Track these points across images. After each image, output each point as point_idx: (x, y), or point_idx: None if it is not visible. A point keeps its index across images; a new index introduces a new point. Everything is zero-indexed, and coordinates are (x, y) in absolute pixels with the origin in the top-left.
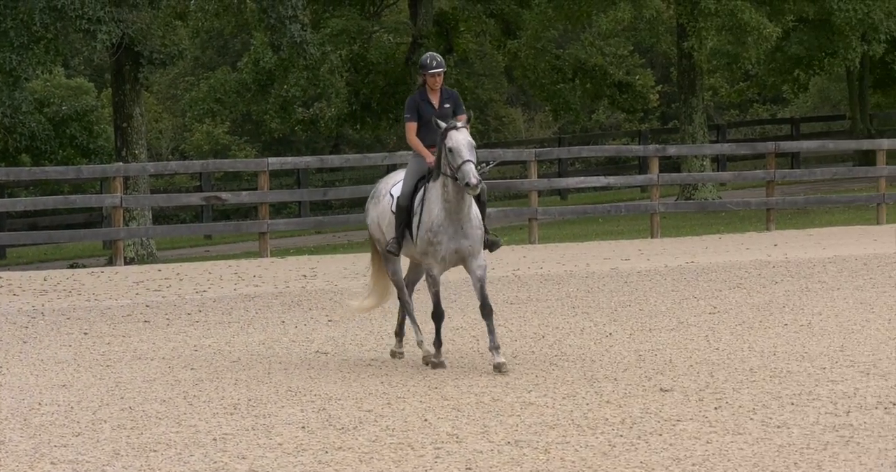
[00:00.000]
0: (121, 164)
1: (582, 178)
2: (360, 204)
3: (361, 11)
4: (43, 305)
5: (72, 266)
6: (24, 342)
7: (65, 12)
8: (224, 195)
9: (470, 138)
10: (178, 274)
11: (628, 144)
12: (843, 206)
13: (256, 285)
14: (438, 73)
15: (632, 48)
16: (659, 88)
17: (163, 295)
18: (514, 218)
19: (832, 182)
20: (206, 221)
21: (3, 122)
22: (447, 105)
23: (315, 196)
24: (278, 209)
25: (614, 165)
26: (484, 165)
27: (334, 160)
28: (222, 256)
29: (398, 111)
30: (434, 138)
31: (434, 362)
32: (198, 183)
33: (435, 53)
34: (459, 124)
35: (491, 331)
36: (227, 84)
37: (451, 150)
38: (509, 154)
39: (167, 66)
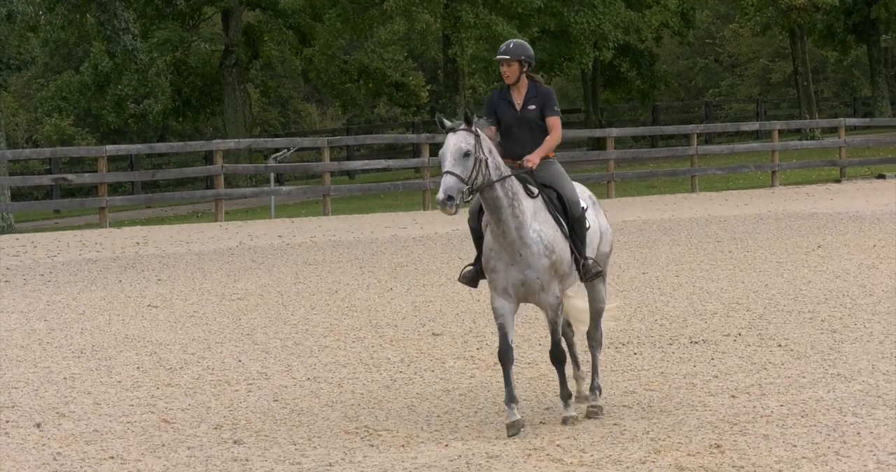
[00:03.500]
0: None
1: (366, 161)
2: (183, 183)
3: (182, 24)
4: None
5: None
6: None
7: None
8: (70, 177)
9: (463, 144)
10: (32, 242)
11: (404, 133)
12: (578, 183)
13: (97, 252)
14: (506, 61)
15: (406, 54)
16: (428, 87)
17: (20, 260)
18: (311, 195)
19: (570, 164)
20: (55, 198)
21: None
22: (531, 106)
23: (145, 177)
24: (115, 188)
25: (393, 151)
26: (285, 151)
27: (161, 147)
28: (69, 227)
29: (214, 107)
30: (516, 147)
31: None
32: (48, 167)
33: (518, 40)
34: (460, 126)
35: (562, 382)
36: (72, 85)
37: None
38: (306, 142)
39: (21, 70)
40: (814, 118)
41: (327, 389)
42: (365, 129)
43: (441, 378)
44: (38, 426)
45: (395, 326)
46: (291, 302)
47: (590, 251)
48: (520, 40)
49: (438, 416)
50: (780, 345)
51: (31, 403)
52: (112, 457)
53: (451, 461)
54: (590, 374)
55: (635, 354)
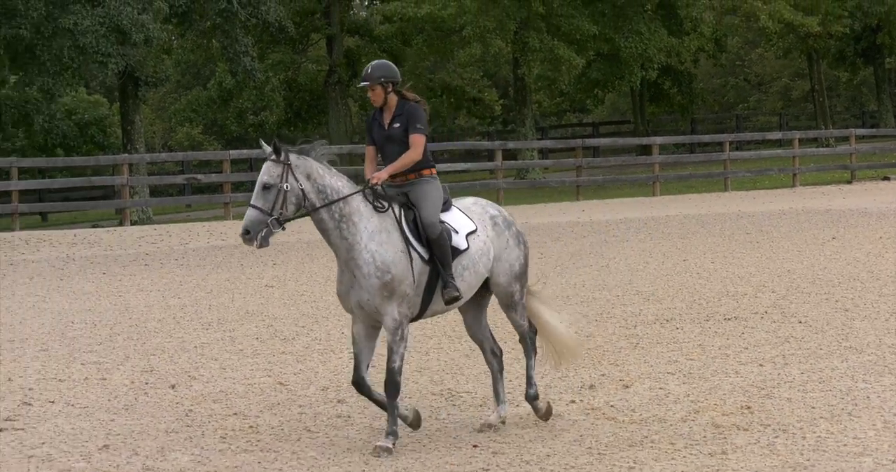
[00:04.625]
0: (126, 155)
1: (448, 164)
2: None
3: (293, 48)
4: (73, 253)
5: (93, 226)
6: (61, 279)
7: (85, 49)
8: (199, 176)
9: (265, 177)
10: (167, 232)
11: (480, 140)
12: (629, 183)
13: (222, 240)
14: (367, 87)
15: (481, 74)
16: (501, 101)
17: (157, 246)
18: None
19: (621, 167)
20: (186, 195)
21: (43, 125)
22: (397, 124)
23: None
24: (237, 186)
25: (470, 155)
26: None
27: None
28: (198, 219)
29: (320, 118)
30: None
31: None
32: (181, 168)
33: (379, 61)
34: (271, 156)
35: (390, 417)
36: (200, 99)
37: None
38: None
39: (157, 86)
40: (828, 129)
41: (416, 357)
42: (447, 136)
43: (512, 348)
44: (173, 387)
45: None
46: None
47: (470, 274)
48: (380, 62)
49: (510, 380)
50: (800, 322)
51: (166, 367)
52: (235, 414)
53: (521, 418)
54: (503, 407)
55: (677, 328)
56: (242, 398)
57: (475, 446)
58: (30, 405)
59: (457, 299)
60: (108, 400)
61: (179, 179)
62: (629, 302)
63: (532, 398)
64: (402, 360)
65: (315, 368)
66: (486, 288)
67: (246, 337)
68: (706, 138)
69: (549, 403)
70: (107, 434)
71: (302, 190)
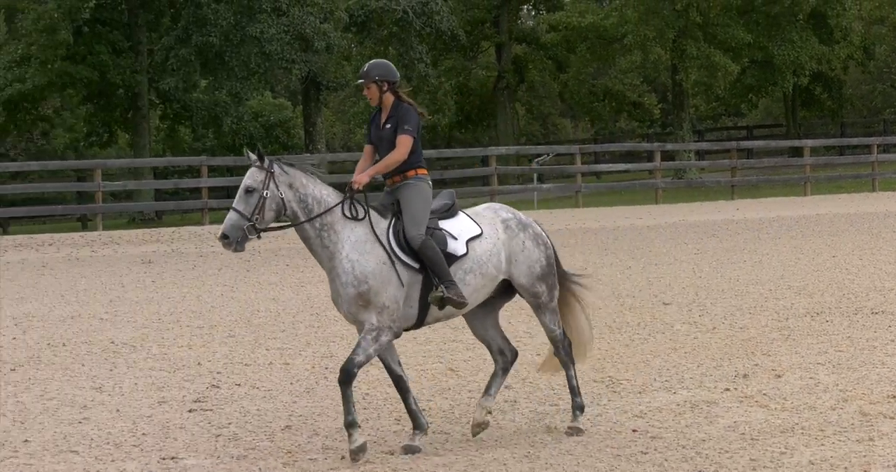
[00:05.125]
0: (308, 154)
1: (610, 164)
2: (463, 181)
3: (464, 55)
4: (258, 246)
5: None
6: (247, 271)
7: (271, 56)
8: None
9: (249, 181)
10: None
11: (640, 142)
12: (781, 184)
13: None
14: (362, 84)
15: (641, 79)
16: (659, 105)
17: None
18: (566, 191)
19: (774, 168)
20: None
21: (232, 127)
22: (389, 125)
23: (435, 176)
24: None
25: (631, 156)
26: (545, 156)
27: (447, 153)
28: None
29: (489, 120)
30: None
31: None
32: None
33: (376, 60)
34: (255, 163)
35: (346, 407)
36: None
37: None
38: (562, 148)
39: (338, 90)
40: None
41: None
42: (608, 138)
43: (670, 339)
44: None
45: (633, 296)
46: None
47: (475, 278)
48: (378, 61)
49: (668, 369)
50: None
51: (345, 354)
52: None
53: (678, 405)
54: (489, 399)
55: (827, 321)
56: (415, 383)
57: (634, 430)
58: (218, 387)
59: (443, 300)
60: (291, 384)
61: None
62: (781, 296)
63: (578, 408)
64: (367, 358)
65: (483, 356)
66: (502, 295)
67: None
68: (855, 141)
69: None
70: (289, 416)
71: (282, 199)
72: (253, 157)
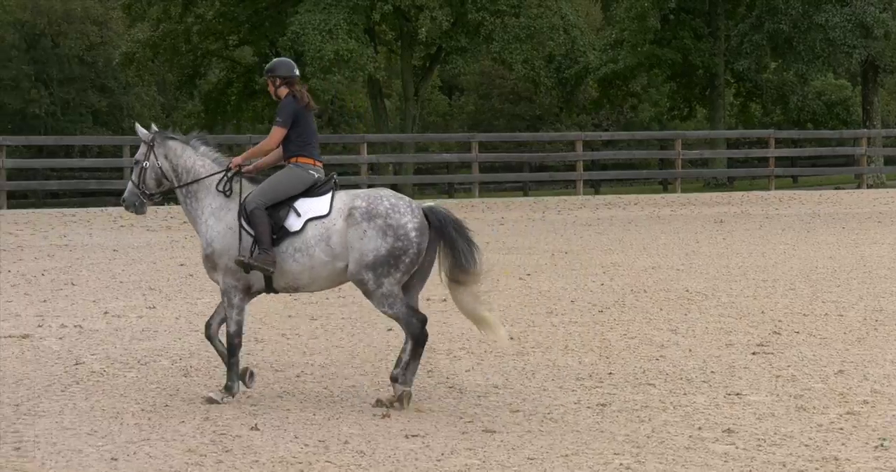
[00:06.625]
0: (865, 130)
1: None
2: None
3: None
4: (818, 210)
5: (835, 189)
6: (807, 232)
7: (834, 42)
8: None
9: (137, 155)
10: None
11: None
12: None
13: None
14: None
15: None
16: None
17: (889, 207)
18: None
19: None
20: None
21: (797, 104)
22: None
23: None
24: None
25: None
26: None
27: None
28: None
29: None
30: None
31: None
32: None
33: (277, 59)
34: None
35: (229, 372)
36: None
37: None
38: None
39: (894, 73)
40: None
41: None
42: None
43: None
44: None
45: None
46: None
47: (303, 256)
48: (278, 59)
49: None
50: None
51: (894, 308)
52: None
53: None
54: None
55: None
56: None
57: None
58: (778, 334)
59: (265, 271)
60: (844, 333)
61: None
62: None
63: (392, 379)
64: (237, 325)
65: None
66: (414, 276)
67: None
68: None
69: (404, 395)
70: (842, 361)
71: (160, 168)
72: (142, 132)
